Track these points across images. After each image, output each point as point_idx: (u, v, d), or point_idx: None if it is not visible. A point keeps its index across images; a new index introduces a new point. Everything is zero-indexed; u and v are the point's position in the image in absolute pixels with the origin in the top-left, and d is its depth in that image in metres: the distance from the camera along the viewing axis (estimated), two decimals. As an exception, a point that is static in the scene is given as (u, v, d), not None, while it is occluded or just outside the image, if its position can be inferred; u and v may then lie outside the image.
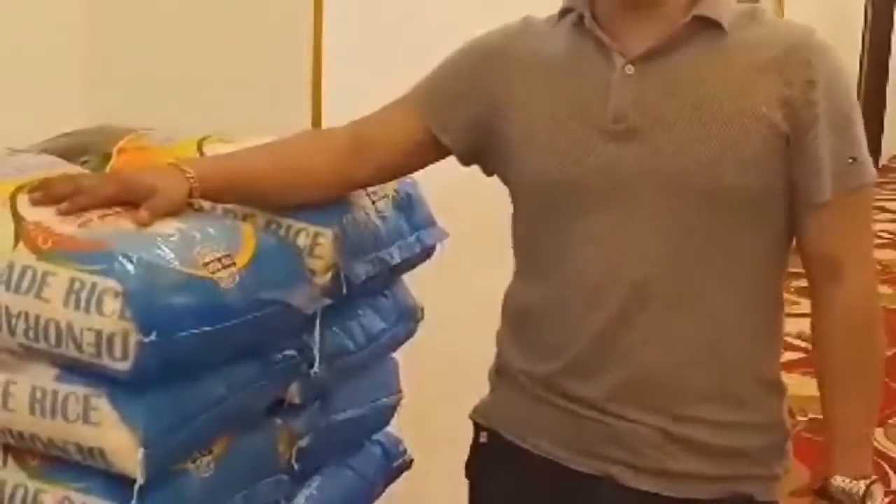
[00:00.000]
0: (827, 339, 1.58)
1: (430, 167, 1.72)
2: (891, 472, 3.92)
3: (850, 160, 1.51)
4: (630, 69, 1.51)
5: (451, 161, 1.70)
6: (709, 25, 1.51)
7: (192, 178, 1.53)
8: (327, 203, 1.66)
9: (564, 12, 1.60)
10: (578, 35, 1.57)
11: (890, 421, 4.37)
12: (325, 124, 2.16)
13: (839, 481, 1.56)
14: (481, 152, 1.66)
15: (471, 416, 1.74)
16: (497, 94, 1.61)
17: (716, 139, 1.47)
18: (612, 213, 1.52)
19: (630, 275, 1.52)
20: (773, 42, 1.51)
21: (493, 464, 1.71)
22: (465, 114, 1.64)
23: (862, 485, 1.55)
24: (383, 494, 1.94)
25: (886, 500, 3.70)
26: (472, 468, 1.75)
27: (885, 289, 6.16)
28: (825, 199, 1.51)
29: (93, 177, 1.58)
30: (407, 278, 1.93)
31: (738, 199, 1.50)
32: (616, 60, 1.52)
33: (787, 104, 1.48)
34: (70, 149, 1.77)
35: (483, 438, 1.72)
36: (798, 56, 1.49)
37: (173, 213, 1.48)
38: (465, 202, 2.20)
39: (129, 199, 1.46)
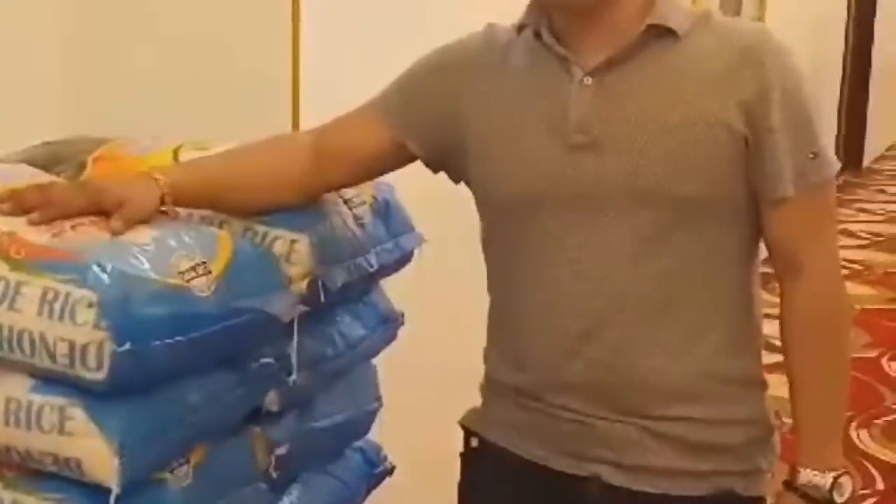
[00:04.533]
0: (791, 333, 1.59)
1: (411, 173, 1.72)
2: (876, 473, 3.93)
3: (811, 156, 1.52)
4: (588, 80, 1.52)
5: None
6: (663, 33, 1.52)
7: (163, 184, 1.53)
8: (300, 208, 1.66)
9: (521, 27, 1.60)
10: (537, 48, 1.58)
11: (875, 422, 4.38)
12: (303, 124, 2.16)
13: (807, 474, 1.57)
14: (446, 160, 1.67)
15: (460, 422, 1.75)
16: (458, 104, 1.62)
17: (676, 148, 1.49)
18: (576, 224, 1.53)
19: (597, 286, 1.53)
20: (728, 46, 1.52)
21: (483, 468, 1.72)
22: (429, 121, 1.64)
23: (829, 477, 1.56)
24: (364, 502, 1.94)
25: (872, 500, 3.74)
26: (462, 473, 1.76)
27: (865, 289, 6.18)
28: (786, 195, 1.52)
29: (64, 186, 1.58)
30: (386, 284, 1.92)
31: (699, 205, 1.51)
32: (574, 72, 1.53)
33: (743, 107, 1.49)
34: (46, 158, 1.77)
35: (473, 443, 1.73)
36: (751, 59, 1.50)
37: (146, 220, 1.47)
38: (445, 207, 2.20)
39: (100, 209, 1.46)
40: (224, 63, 2.22)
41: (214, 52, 2.23)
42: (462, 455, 1.75)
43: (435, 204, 1.98)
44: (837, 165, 1.57)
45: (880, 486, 3.85)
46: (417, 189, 1.84)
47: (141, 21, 2.29)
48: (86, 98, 2.22)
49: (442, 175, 1.71)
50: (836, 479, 1.56)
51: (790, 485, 1.59)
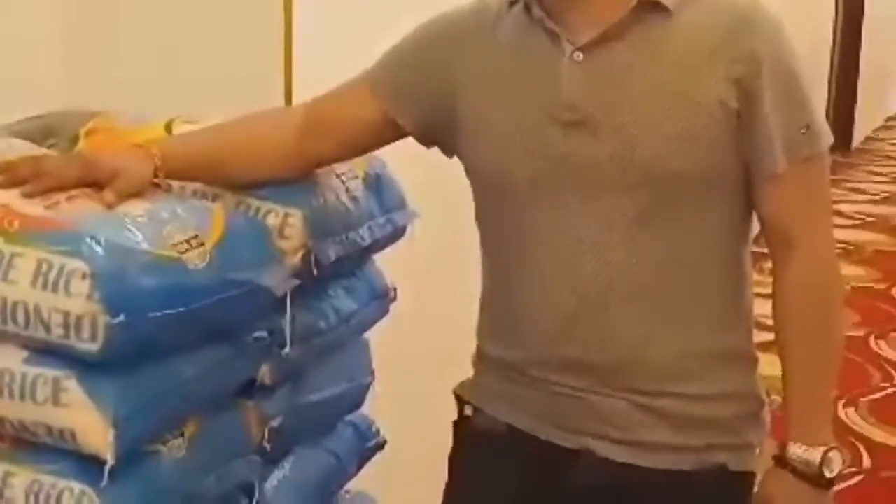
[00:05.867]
0: (783, 308, 1.59)
1: (407, 148, 1.72)
2: (864, 451, 3.95)
3: (803, 130, 1.52)
4: (579, 56, 1.51)
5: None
6: (654, 8, 1.50)
7: (157, 156, 1.53)
8: (293, 182, 1.66)
9: (512, 2, 1.59)
10: (528, 23, 1.56)
11: (862, 400, 4.40)
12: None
13: (796, 449, 1.58)
14: (438, 135, 1.66)
15: (454, 391, 1.75)
16: (451, 77, 1.61)
17: (667, 124, 1.48)
18: (567, 202, 1.53)
19: (587, 263, 1.53)
20: (718, 20, 1.51)
21: (475, 438, 1.73)
22: (421, 96, 1.64)
23: (819, 452, 1.57)
24: (357, 475, 1.95)
25: (859, 477, 3.77)
26: (454, 442, 1.77)
27: (857, 270, 6.20)
28: (778, 170, 1.52)
29: (56, 158, 1.57)
30: (379, 259, 1.93)
31: (693, 181, 1.51)
32: (565, 48, 1.52)
33: (735, 82, 1.49)
34: (37, 131, 1.76)
35: (467, 411, 1.73)
36: (742, 32, 1.50)
37: (139, 193, 1.47)
38: (438, 181, 2.20)
39: (93, 181, 1.46)
40: (217, 63, 2.21)
41: (208, 53, 2.22)
42: (455, 424, 1.75)
43: (428, 178, 1.98)
44: (830, 138, 1.56)
45: (867, 463, 3.87)
46: (410, 163, 1.84)
47: (133, 21, 2.28)
48: (80, 80, 2.22)
49: (435, 149, 1.71)
50: (825, 453, 1.56)
51: (780, 460, 1.59)
